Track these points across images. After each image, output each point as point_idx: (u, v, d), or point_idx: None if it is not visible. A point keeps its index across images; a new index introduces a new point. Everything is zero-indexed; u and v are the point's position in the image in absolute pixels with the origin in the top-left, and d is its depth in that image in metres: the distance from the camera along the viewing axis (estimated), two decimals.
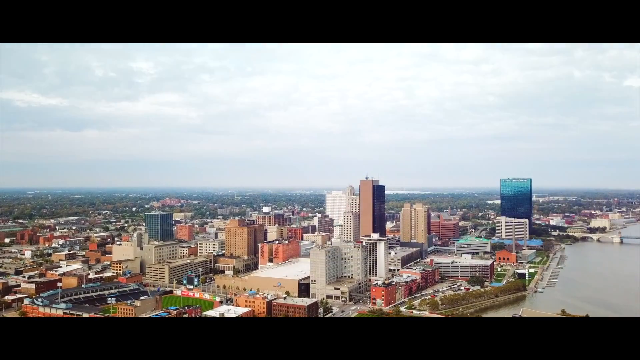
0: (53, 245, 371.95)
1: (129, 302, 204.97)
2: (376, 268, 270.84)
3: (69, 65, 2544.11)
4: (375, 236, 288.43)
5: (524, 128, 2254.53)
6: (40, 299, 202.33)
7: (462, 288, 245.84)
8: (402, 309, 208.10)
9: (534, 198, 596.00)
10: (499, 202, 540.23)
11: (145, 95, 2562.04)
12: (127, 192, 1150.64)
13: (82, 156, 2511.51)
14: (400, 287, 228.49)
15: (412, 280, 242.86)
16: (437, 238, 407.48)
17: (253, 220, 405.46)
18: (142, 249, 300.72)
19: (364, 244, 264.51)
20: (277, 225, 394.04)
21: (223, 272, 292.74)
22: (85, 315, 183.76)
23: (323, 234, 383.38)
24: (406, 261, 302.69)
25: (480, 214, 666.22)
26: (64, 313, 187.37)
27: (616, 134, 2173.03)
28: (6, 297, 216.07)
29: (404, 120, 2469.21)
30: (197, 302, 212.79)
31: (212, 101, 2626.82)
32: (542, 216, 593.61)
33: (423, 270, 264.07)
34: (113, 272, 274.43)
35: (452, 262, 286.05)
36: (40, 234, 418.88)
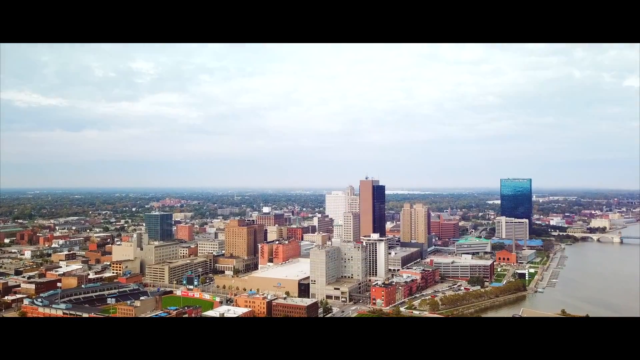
0: (53, 245, 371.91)
1: (128, 302, 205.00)
2: (376, 268, 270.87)
3: (69, 66, 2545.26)
4: (375, 236, 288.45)
5: (524, 128, 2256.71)
6: (40, 299, 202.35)
7: (462, 288, 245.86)
8: (402, 309, 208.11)
9: (534, 198, 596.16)
10: (499, 202, 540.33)
11: (145, 96, 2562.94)
12: (127, 193, 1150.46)
13: (82, 156, 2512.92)
14: (400, 287, 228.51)
15: (412, 280, 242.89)
16: (437, 238, 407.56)
17: (253, 221, 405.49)
18: (142, 249, 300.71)
19: (364, 244, 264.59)
20: (277, 225, 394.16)
21: (223, 272, 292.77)
22: (85, 315, 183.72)
23: (323, 234, 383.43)
24: (406, 261, 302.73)
25: (480, 214, 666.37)
26: (63, 313, 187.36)
27: (616, 134, 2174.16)
28: (6, 298, 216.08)
29: (404, 121, 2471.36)
30: (197, 302, 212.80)
31: (212, 101, 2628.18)
32: (542, 216, 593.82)
33: (423, 270, 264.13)
34: (113, 273, 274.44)
35: (452, 262, 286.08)
36: (40, 234, 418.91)
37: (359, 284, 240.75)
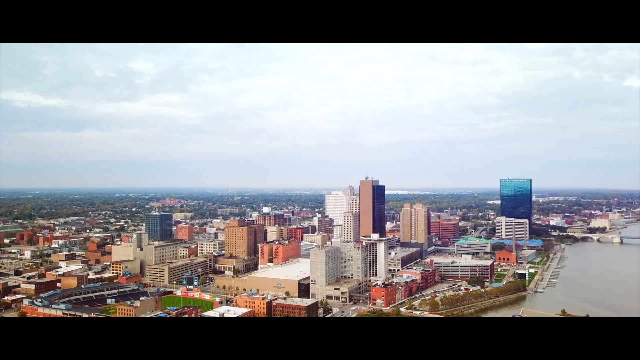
0: (53, 245, 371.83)
1: (128, 302, 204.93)
2: (376, 268, 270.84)
3: (68, 66, 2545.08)
4: (375, 236, 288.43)
5: (524, 128, 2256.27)
6: (39, 300, 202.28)
7: (462, 288, 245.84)
8: (402, 309, 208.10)
9: (534, 198, 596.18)
10: (499, 202, 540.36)
11: (145, 96, 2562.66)
12: (126, 193, 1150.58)
13: (81, 157, 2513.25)
14: (400, 288, 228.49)
15: (412, 280, 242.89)
16: (437, 238, 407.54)
17: (253, 221, 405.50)
18: (141, 249, 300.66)
19: (364, 244, 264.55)
20: (277, 225, 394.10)
21: (223, 272, 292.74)
22: (85, 315, 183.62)
23: (323, 234, 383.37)
24: (406, 261, 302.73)
25: (480, 214, 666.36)
26: (63, 314, 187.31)
27: (616, 134, 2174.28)
28: (6, 298, 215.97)
29: (404, 121, 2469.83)
30: (196, 302, 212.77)
31: (212, 102, 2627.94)
32: (542, 216, 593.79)
33: (423, 270, 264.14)
34: (113, 273, 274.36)
35: (452, 263, 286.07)
36: (40, 235, 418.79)
37: (359, 284, 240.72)
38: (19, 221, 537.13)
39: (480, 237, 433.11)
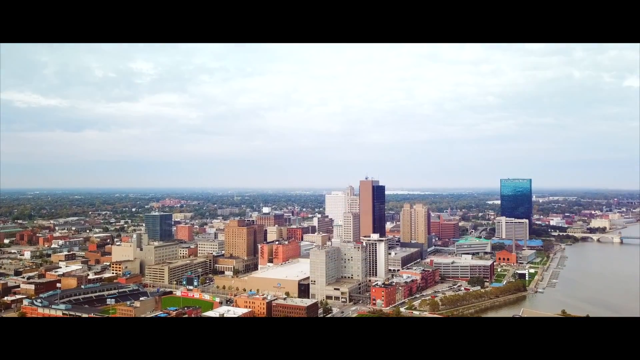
0: (52, 246, 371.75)
1: (128, 302, 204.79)
2: (376, 268, 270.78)
3: (68, 66, 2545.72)
4: (375, 236, 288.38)
5: (524, 128, 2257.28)
6: (39, 300, 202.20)
7: (462, 288, 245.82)
8: (402, 309, 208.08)
9: (534, 198, 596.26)
10: (499, 202, 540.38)
11: (145, 96, 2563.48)
12: (126, 193, 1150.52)
13: (81, 157, 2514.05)
14: (400, 288, 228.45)
15: (412, 280, 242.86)
16: (437, 238, 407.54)
17: (253, 221, 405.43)
18: (141, 249, 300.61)
19: (364, 244, 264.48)
20: (276, 225, 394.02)
21: (223, 272, 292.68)
22: (85, 316, 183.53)
23: (323, 234, 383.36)
24: (406, 261, 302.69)
25: (480, 214, 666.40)
26: (63, 314, 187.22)
27: (616, 134, 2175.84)
28: (5, 298, 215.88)
29: (404, 121, 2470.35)
30: (196, 302, 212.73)
31: (211, 102, 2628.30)
32: (542, 216, 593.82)
33: (423, 270, 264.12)
34: (113, 273, 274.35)
35: (452, 263, 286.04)
36: (40, 235, 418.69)
37: (359, 284, 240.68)
38: (18, 221, 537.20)
39: (480, 237, 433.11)
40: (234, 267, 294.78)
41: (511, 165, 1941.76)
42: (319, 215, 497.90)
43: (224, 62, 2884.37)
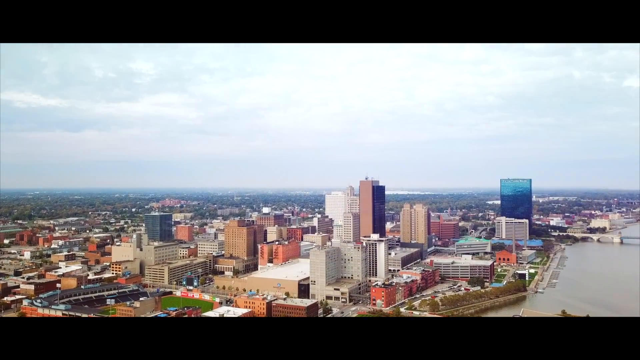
0: (52, 246, 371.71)
1: (128, 303, 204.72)
2: (376, 269, 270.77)
3: (68, 66, 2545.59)
4: (375, 237, 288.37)
5: (524, 128, 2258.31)
6: (39, 300, 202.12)
7: (463, 289, 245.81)
8: (402, 309, 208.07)
9: (533, 198, 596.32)
10: (499, 202, 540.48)
11: (145, 96, 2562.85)
12: (126, 193, 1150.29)
13: (81, 157, 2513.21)
14: (400, 288, 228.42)
15: (412, 280, 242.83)
16: (437, 238, 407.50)
17: (253, 221, 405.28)
18: (141, 249, 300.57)
19: (364, 244, 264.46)
20: (276, 225, 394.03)
21: (223, 272, 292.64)
22: (85, 316, 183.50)
23: (323, 234, 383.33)
24: (406, 262, 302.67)
25: (480, 214, 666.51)
26: (62, 314, 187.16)
27: (616, 134, 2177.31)
28: (5, 298, 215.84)
29: (404, 121, 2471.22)
30: (196, 303, 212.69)
31: (211, 102, 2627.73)
32: (542, 216, 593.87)
33: (423, 270, 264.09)
34: (112, 273, 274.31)
35: (452, 263, 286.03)
36: (40, 235, 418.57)
37: (359, 284, 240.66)
38: (18, 222, 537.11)
39: (480, 237, 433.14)
40: (233, 268, 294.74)
41: (511, 165, 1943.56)
42: (319, 216, 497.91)
43: (224, 62, 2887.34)
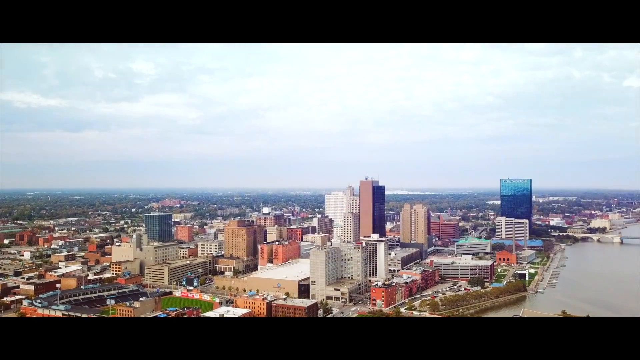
0: (52, 246, 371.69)
1: (128, 303, 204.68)
2: (376, 269, 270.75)
3: (68, 66, 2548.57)
4: (375, 237, 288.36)
5: (524, 128, 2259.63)
6: (39, 301, 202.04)
7: (463, 289, 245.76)
8: (402, 309, 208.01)
9: (533, 198, 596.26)
10: (499, 202, 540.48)
11: (144, 96, 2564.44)
12: (126, 193, 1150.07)
13: (81, 157, 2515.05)
14: (400, 288, 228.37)
15: (412, 281, 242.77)
16: (437, 239, 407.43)
17: (253, 221, 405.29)
18: (141, 250, 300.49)
19: (364, 244, 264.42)
20: (276, 226, 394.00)
21: (223, 273, 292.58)
22: (84, 316, 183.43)
23: (323, 234, 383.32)
24: (406, 262, 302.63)
25: (480, 214, 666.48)
26: (62, 314, 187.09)
27: (616, 134, 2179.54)
28: (5, 299, 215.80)
29: (404, 121, 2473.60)
30: (196, 303, 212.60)
31: (211, 102, 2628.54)
32: (542, 216, 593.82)
33: (423, 271, 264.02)
34: (112, 273, 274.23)
35: (452, 263, 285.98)
36: (40, 235, 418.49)
37: (359, 284, 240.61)
38: (18, 222, 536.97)
39: (480, 237, 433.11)
40: (233, 268, 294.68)
41: (511, 165, 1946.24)
42: (319, 216, 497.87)
43: (224, 62, 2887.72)
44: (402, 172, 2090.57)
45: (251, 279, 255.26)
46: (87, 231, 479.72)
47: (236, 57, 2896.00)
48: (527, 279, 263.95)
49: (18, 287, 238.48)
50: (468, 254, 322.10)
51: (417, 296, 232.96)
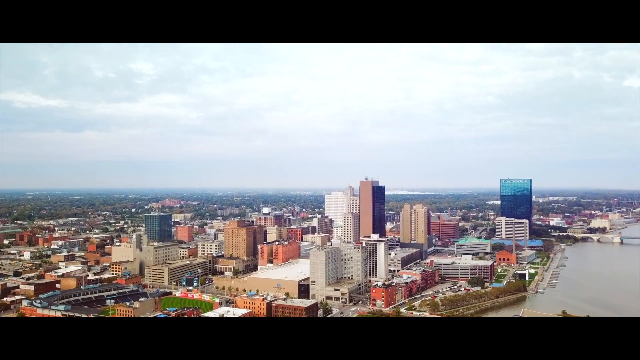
0: (52, 246, 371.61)
1: (127, 303, 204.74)
2: (376, 269, 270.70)
3: (68, 66, 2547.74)
4: (375, 237, 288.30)
5: (524, 128, 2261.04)
6: (39, 301, 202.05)
7: (463, 289, 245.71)
8: (402, 310, 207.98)
9: (533, 198, 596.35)
10: (498, 202, 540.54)
11: (144, 96, 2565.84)
12: (126, 193, 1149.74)
13: (81, 157, 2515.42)
14: (400, 288, 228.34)
15: (412, 281, 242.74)
16: (437, 239, 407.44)
17: (253, 221, 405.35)
18: (141, 250, 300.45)
19: (364, 244, 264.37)
20: (276, 226, 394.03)
21: (222, 273, 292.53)
22: (84, 316, 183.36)
23: (323, 234, 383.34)
24: (406, 262, 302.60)
25: (480, 214, 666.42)
26: (62, 315, 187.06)
27: (616, 134, 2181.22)
28: (5, 299, 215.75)
29: (404, 121, 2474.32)
30: (196, 303, 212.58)
31: (211, 102, 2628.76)
32: (542, 216, 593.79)
33: (423, 271, 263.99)
34: (112, 274, 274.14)
35: (452, 263, 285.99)
36: (40, 235, 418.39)
37: (359, 284, 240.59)
38: (18, 222, 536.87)
39: (480, 237, 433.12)
40: (233, 268, 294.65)
41: (511, 165, 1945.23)
42: (319, 216, 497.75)
43: (224, 63, 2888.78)
44: (402, 172, 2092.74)
45: (251, 279, 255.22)
46: (87, 231, 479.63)
47: (236, 57, 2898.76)
48: (527, 279, 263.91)
49: (18, 287, 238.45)
50: (468, 254, 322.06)
51: (417, 296, 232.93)
